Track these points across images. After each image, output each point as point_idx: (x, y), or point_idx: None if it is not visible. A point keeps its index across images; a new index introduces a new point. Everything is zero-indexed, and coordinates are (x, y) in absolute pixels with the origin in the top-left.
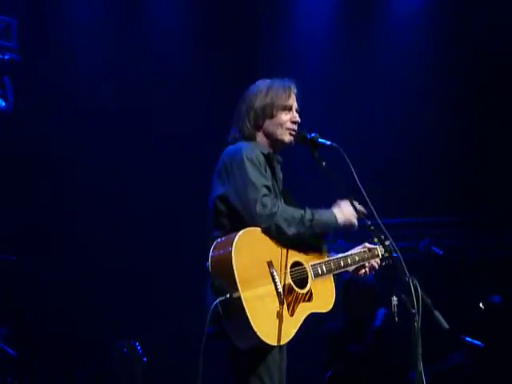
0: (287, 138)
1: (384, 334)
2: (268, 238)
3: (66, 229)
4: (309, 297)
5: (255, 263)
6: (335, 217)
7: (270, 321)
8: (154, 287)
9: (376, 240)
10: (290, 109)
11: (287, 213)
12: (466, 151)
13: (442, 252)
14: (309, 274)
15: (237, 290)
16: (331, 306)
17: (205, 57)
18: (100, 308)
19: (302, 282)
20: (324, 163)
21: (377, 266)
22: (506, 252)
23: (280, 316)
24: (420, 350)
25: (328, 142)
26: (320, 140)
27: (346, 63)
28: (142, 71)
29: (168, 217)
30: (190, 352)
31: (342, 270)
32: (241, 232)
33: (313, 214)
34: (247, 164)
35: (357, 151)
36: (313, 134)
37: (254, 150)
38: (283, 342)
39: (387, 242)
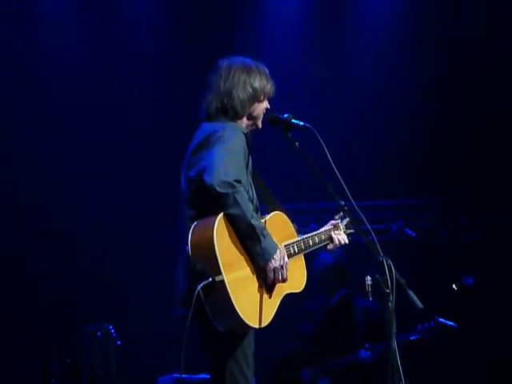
0: (260, 124)
1: (337, 313)
2: None
3: (37, 216)
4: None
5: (235, 246)
6: (272, 255)
7: (252, 303)
8: (127, 270)
9: (337, 217)
10: (268, 96)
11: (247, 202)
12: (439, 133)
13: (414, 234)
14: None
15: (220, 273)
16: (303, 286)
17: (179, 48)
18: (72, 292)
19: None
20: (297, 144)
21: (342, 241)
22: (478, 234)
23: (260, 298)
24: (394, 329)
25: (301, 123)
26: (293, 121)
27: (322, 46)
28: (113, 63)
29: (143, 203)
30: (164, 334)
31: (312, 248)
32: (221, 214)
33: (265, 230)
34: (229, 145)
35: (331, 133)
36: (286, 115)
37: (239, 133)
38: (264, 323)
39: (346, 220)
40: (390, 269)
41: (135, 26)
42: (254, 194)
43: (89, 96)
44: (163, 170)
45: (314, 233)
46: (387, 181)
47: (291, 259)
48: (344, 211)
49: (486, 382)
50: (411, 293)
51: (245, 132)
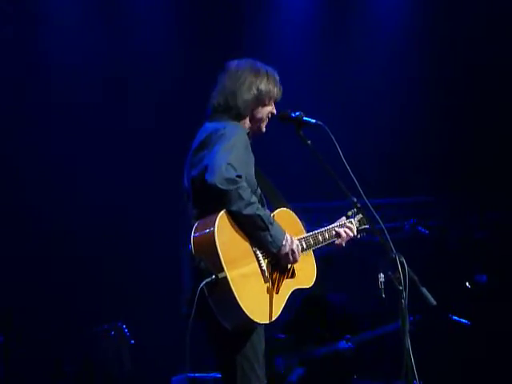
0: (263, 128)
1: (310, 303)
2: None
3: (48, 217)
4: (292, 273)
5: (238, 242)
6: (282, 241)
7: (257, 299)
8: (139, 269)
9: (350, 213)
10: (275, 100)
11: (249, 195)
12: (452, 131)
13: (427, 232)
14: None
15: (222, 270)
16: (313, 281)
17: (187, 49)
18: (86, 292)
19: None
20: (309, 142)
21: (350, 234)
22: (491, 231)
23: (266, 294)
24: (408, 327)
25: (313, 121)
26: (305, 118)
27: (330, 46)
28: (122, 62)
29: (152, 200)
30: (177, 333)
31: (322, 244)
32: (222, 212)
33: (271, 218)
34: (231, 142)
35: (342, 131)
36: (297, 113)
37: (241, 131)
38: (271, 319)
39: (359, 216)
40: (402, 266)
41: (142, 25)
42: (259, 191)
43: (91, 95)
44: (167, 167)
45: (323, 228)
46: (399, 179)
47: (301, 254)
48: (357, 208)
49: (498, 378)
50: (424, 289)
51: (247, 131)
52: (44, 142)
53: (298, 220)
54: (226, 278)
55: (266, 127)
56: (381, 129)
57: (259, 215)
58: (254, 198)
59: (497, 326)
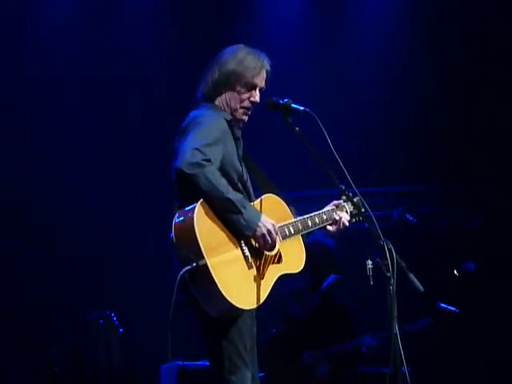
0: (239, 115)
1: (330, 299)
2: None
3: (36, 204)
4: (278, 258)
5: (219, 229)
6: (256, 223)
7: (240, 285)
8: (127, 257)
9: (344, 198)
10: (253, 87)
11: (217, 177)
12: (441, 120)
13: (415, 220)
14: (276, 236)
15: (202, 257)
16: (301, 266)
17: (177, 36)
18: (74, 280)
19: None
20: (297, 129)
21: (346, 223)
22: (479, 220)
23: (250, 280)
24: (395, 313)
25: (301, 108)
26: (293, 105)
27: (322, 34)
28: (109, 60)
29: (140, 188)
30: (167, 321)
31: (312, 229)
32: (202, 200)
33: (244, 201)
34: (204, 128)
35: (331, 120)
36: (285, 100)
37: (218, 118)
38: (255, 305)
39: (355, 199)
40: (390, 252)
41: (133, 23)
42: (247, 179)
43: (87, 95)
44: (159, 160)
45: (314, 213)
46: (388, 167)
47: (287, 240)
48: (345, 196)
49: (487, 365)
50: (412, 276)
51: (228, 118)
52: (39, 141)
53: (286, 206)
54: (206, 265)
55: (249, 115)
56: (370, 117)
57: (229, 198)
58: (224, 182)
59: (485, 313)
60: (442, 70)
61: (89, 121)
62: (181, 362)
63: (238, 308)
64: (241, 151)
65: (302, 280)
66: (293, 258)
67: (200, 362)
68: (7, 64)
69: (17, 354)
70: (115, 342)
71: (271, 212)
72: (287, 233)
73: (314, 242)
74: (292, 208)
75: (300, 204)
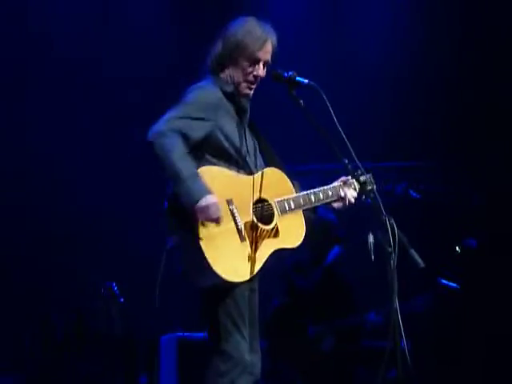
0: (243, 89)
1: (334, 273)
2: (229, 176)
3: (38, 180)
4: (275, 233)
5: None
6: (199, 198)
7: (231, 258)
8: (128, 228)
9: (355, 174)
10: (257, 61)
11: (172, 145)
12: (444, 95)
13: (419, 196)
14: (274, 210)
15: (192, 228)
16: (300, 242)
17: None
18: (75, 250)
19: (268, 218)
20: (301, 102)
21: (353, 200)
22: (483, 196)
23: (242, 253)
24: (396, 287)
25: (306, 81)
26: (298, 78)
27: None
28: (107, 57)
29: (142, 166)
30: (168, 292)
31: (314, 204)
32: (200, 169)
33: (195, 175)
34: (187, 101)
35: (337, 95)
36: (290, 73)
37: (210, 91)
38: (245, 277)
39: (363, 178)
40: (392, 228)
41: (134, 23)
42: (253, 152)
43: (88, 93)
44: None
45: (318, 189)
46: (391, 142)
47: (287, 214)
48: (347, 170)
49: (487, 342)
50: (413, 251)
51: (228, 90)
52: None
53: (288, 180)
54: (196, 236)
55: (255, 88)
56: (375, 93)
57: (176, 169)
58: (179, 153)
59: (486, 290)
60: (446, 46)
61: (90, 119)
62: (181, 333)
63: (226, 280)
64: (246, 123)
65: (305, 253)
66: (291, 233)
67: (200, 334)
68: (8, 61)
69: (17, 320)
70: (116, 312)
71: (272, 185)
72: (287, 207)
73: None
74: (296, 183)
75: (303, 178)
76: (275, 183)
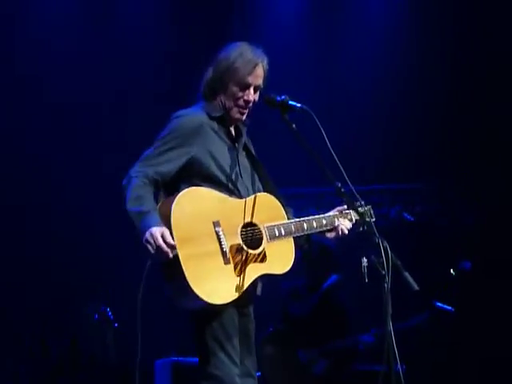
0: (235, 115)
1: (330, 299)
2: (218, 198)
3: (32, 199)
4: (262, 258)
5: (198, 221)
6: (144, 232)
7: (212, 280)
8: (124, 252)
9: (349, 207)
10: (247, 86)
11: (132, 189)
12: (440, 118)
13: (413, 218)
14: (263, 235)
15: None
16: (288, 269)
17: (178, 35)
18: (70, 275)
19: (256, 242)
20: (294, 126)
21: (346, 231)
22: (476, 218)
23: (224, 275)
24: (390, 310)
25: (298, 105)
26: (290, 102)
27: (323, 33)
28: (105, 61)
29: None
30: (162, 317)
31: (306, 232)
32: (188, 189)
33: (142, 214)
34: (164, 135)
35: (328, 117)
36: (283, 97)
37: (189, 119)
38: (226, 300)
39: (361, 210)
40: (385, 250)
41: (132, 23)
42: (246, 175)
43: (86, 96)
44: None
45: (313, 217)
46: (385, 165)
47: (277, 240)
48: (340, 194)
49: (482, 364)
50: (407, 274)
51: (215, 115)
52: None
53: (280, 206)
54: (177, 255)
55: (245, 114)
56: (368, 115)
57: (130, 209)
58: (135, 193)
59: (480, 313)
60: (439, 69)
61: (87, 121)
62: (175, 358)
63: (207, 302)
64: (240, 147)
65: (302, 279)
66: (279, 259)
67: (194, 358)
68: (3, 63)
69: (13, 347)
70: (110, 337)
71: (263, 210)
72: (276, 233)
73: (313, 241)
74: (289, 210)
75: (296, 201)
76: (267, 208)
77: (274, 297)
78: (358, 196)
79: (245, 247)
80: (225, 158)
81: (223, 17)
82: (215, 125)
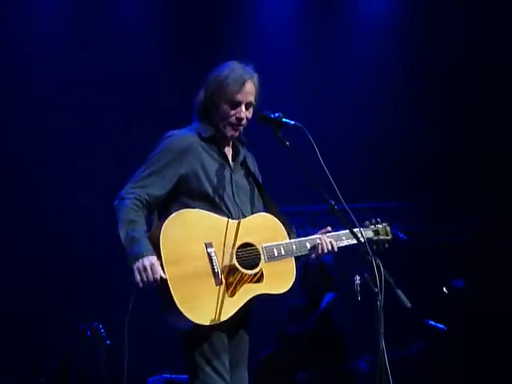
0: (229, 132)
1: (328, 319)
2: (211, 218)
3: (27, 215)
4: (258, 278)
5: (190, 242)
6: (136, 260)
7: (201, 300)
8: (115, 269)
9: (368, 223)
10: (237, 104)
11: (123, 211)
12: (431, 136)
13: (405, 237)
14: (261, 256)
15: (162, 268)
16: (287, 288)
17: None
18: (62, 291)
19: (253, 263)
20: (288, 143)
21: (325, 249)
22: (468, 236)
23: (214, 296)
24: (382, 328)
25: (292, 122)
26: (284, 120)
27: (315, 45)
28: (100, 69)
29: None
30: (154, 334)
31: (295, 254)
32: (179, 212)
33: (134, 239)
34: (153, 156)
35: (321, 134)
36: (276, 114)
37: (177, 137)
38: (216, 321)
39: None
40: (378, 268)
41: (128, 23)
42: (234, 194)
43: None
44: None
45: (302, 238)
46: (378, 184)
47: (276, 260)
48: (334, 211)
49: (476, 382)
50: (399, 292)
51: (206, 135)
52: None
53: (281, 226)
54: (166, 279)
55: (240, 130)
56: (360, 134)
57: (120, 235)
58: (127, 216)
59: (473, 331)
60: (430, 82)
61: (86, 122)
62: (168, 375)
63: (195, 323)
64: (235, 166)
65: (300, 298)
66: (278, 279)
67: (187, 375)
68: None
69: (3, 364)
70: (102, 354)
71: (262, 230)
72: (276, 254)
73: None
74: (292, 230)
75: (291, 219)
76: (266, 228)
77: (273, 318)
78: (349, 212)
79: (239, 267)
80: (215, 178)
81: (219, 17)
82: (206, 145)
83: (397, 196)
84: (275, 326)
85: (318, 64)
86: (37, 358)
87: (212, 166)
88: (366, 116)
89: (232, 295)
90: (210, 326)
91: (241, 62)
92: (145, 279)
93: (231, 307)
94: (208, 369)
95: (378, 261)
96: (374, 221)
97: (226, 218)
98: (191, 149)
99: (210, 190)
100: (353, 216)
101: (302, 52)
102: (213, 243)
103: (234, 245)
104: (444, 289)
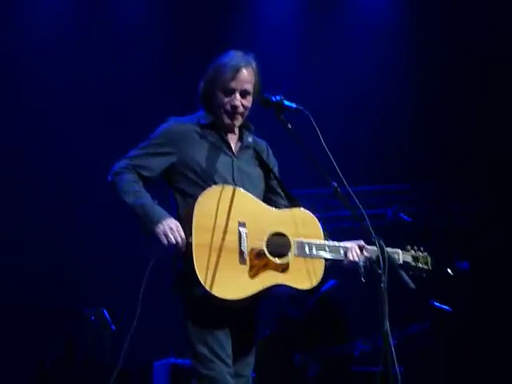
0: (226, 120)
1: (327, 303)
2: (256, 203)
3: (33, 198)
4: (283, 268)
5: (222, 217)
6: (158, 221)
7: (221, 274)
8: (121, 253)
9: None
10: (231, 91)
11: (126, 183)
12: (433, 119)
13: (409, 219)
14: (292, 248)
15: (190, 234)
16: (310, 286)
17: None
18: (67, 276)
19: (281, 253)
20: (289, 125)
21: (357, 259)
22: (473, 218)
23: (235, 273)
24: (386, 310)
25: (294, 105)
26: (286, 102)
27: (316, 34)
28: (100, 68)
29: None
30: (160, 318)
31: (341, 258)
32: (216, 187)
33: (146, 206)
34: (151, 138)
35: (324, 118)
36: (278, 97)
37: (176, 123)
38: (230, 296)
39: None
40: (382, 249)
41: (129, 23)
42: (235, 181)
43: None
44: None
45: (336, 243)
46: (381, 166)
47: (306, 256)
48: (336, 194)
49: (480, 364)
50: (403, 273)
51: (205, 122)
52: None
53: (318, 225)
54: (190, 242)
55: (236, 119)
56: (363, 116)
57: (131, 201)
58: (131, 188)
59: (478, 312)
60: (432, 69)
61: (86, 122)
62: (174, 360)
63: (208, 292)
64: (236, 153)
65: None
66: (302, 274)
67: None
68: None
69: (8, 351)
70: (107, 339)
71: (298, 225)
72: (307, 251)
73: None
74: (326, 233)
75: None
76: (303, 224)
77: (272, 300)
78: (353, 195)
79: (267, 253)
80: (213, 164)
81: (221, 10)
82: (206, 132)
83: (401, 178)
84: (273, 309)
85: (320, 50)
86: (41, 343)
87: (209, 152)
88: (372, 99)
89: (253, 277)
90: (221, 299)
91: (241, 50)
92: (172, 240)
93: (248, 288)
94: (208, 353)
95: (382, 242)
96: (415, 247)
97: (265, 205)
98: (188, 135)
99: (203, 175)
100: (356, 199)
101: (303, 37)
102: (246, 223)
103: (267, 231)
104: (449, 270)
